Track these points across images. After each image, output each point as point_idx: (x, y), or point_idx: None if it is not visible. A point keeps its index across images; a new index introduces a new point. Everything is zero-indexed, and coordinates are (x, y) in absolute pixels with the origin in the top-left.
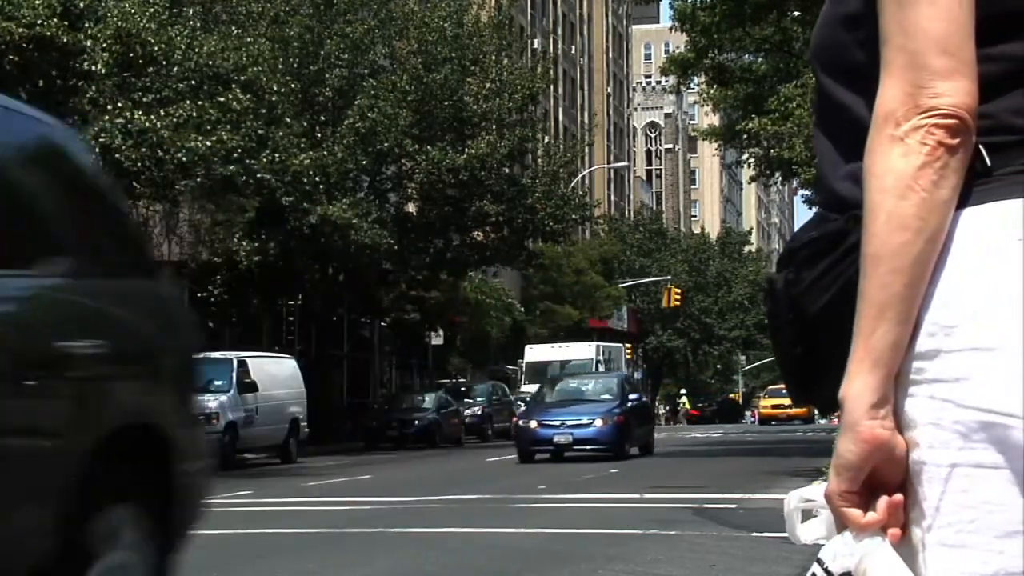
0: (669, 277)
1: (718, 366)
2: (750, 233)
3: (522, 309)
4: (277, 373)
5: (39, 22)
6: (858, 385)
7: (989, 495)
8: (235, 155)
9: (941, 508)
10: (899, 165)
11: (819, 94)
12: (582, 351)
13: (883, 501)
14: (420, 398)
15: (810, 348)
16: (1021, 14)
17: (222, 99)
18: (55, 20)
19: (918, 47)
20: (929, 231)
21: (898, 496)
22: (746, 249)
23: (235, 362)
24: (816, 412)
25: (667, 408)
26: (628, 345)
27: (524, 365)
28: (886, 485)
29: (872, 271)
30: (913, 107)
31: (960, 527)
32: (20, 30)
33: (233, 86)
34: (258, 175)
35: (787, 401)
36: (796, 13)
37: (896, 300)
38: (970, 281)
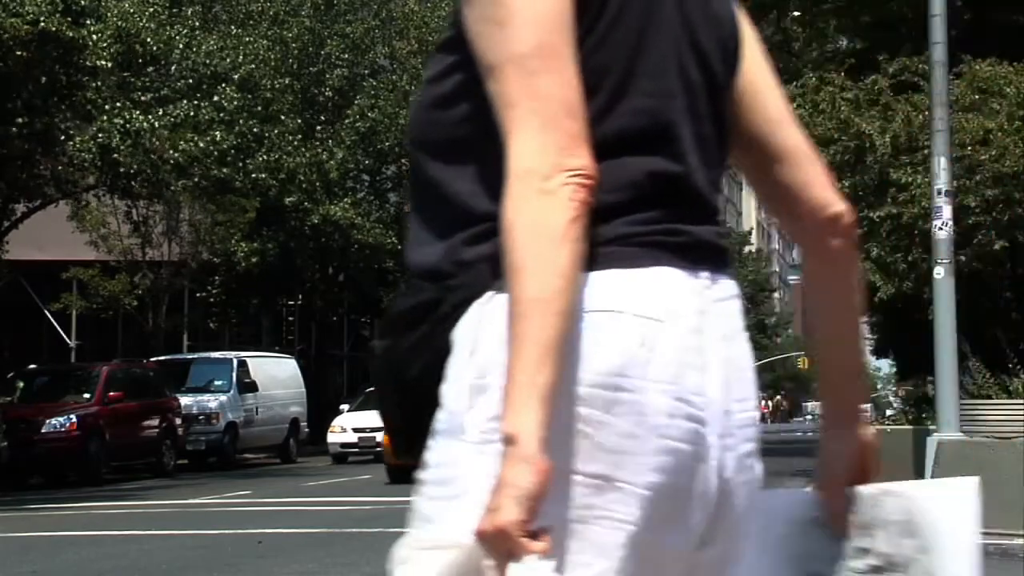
0: None
1: None
2: (750, 233)
3: None
4: (277, 373)
5: (42, 18)
6: (530, 422)
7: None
8: (228, 156)
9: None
10: (553, 217)
11: (413, 174)
12: None
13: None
14: None
15: (410, 410)
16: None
17: (217, 98)
18: (58, 16)
19: (553, 111)
20: (578, 280)
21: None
22: (746, 249)
23: (235, 362)
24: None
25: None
26: None
27: None
28: None
29: (534, 314)
30: (556, 165)
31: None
32: (26, 27)
33: (224, 85)
34: (252, 175)
35: None
36: (796, 13)
37: (559, 341)
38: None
